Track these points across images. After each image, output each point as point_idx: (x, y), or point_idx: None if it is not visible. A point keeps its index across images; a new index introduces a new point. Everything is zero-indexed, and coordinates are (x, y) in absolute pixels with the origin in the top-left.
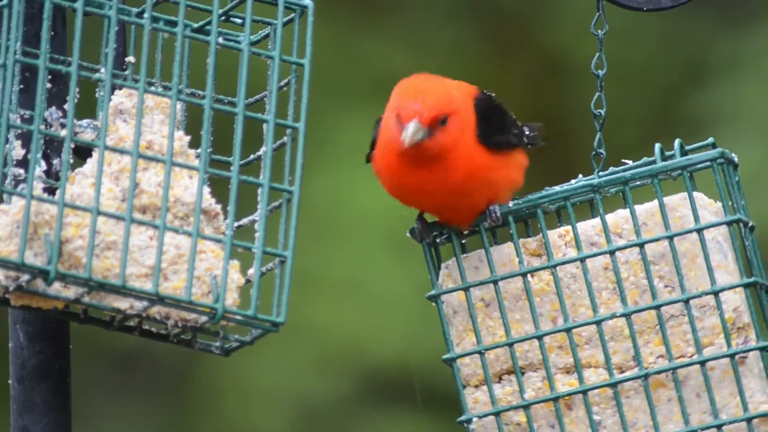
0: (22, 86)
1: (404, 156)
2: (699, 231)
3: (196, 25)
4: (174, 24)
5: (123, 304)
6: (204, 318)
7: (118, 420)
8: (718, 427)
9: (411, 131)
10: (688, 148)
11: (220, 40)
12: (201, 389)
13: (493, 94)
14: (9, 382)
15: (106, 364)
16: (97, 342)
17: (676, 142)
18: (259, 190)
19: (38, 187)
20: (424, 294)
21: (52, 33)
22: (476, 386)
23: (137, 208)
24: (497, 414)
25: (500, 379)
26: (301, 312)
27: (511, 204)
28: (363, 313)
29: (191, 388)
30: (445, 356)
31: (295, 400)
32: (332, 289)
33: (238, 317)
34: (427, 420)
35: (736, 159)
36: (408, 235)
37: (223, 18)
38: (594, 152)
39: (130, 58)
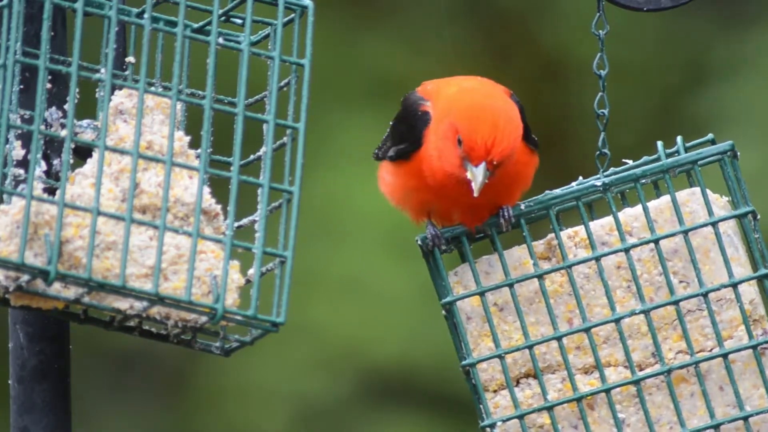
0: (22, 86)
1: (462, 184)
2: (714, 224)
3: (196, 26)
4: (174, 24)
5: (123, 304)
6: (204, 318)
7: (118, 420)
8: (745, 419)
9: (480, 180)
10: (688, 145)
11: (220, 40)
12: (201, 389)
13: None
14: (9, 382)
15: (106, 364)
16: (97, 342)
17: (679, 139)
18: (259, 190)
19: (38, 188)
20: (424, 294)
21: (52, 33)
22: (495, 391)
23: (137, 209)
24: (521, 417)
25: (518, 382)
26: (301, 312)
27: (522, 206)
28: (363, 314)
29: (191, 388)
30: (464, 362)
31: (295, 400)
32: (332, 289)
33: (238, 317)
34: (427, 420)
35: (738, 153)
36: (419, 242)
37: (223, 18)
38: (598, 152)
39: (130, 59)
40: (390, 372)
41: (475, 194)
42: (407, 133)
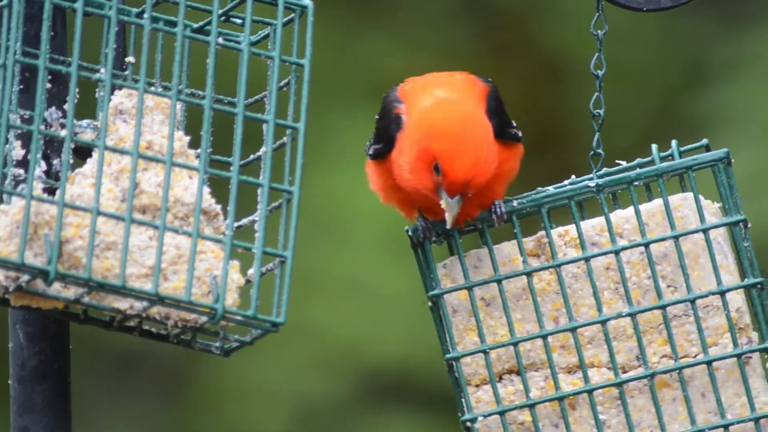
0: (22, 86)
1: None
2: (705, 231)
3: (196, 26)
4: (174, 24)
5: (123, 304)
6: (204, 318)
7: (118, 420)
8: (725, 426)
9: (455, 211)
10: (682, 149)
11: (220, 40)
12: (201, 389)
13: (492, 81)
14: (9, 382)
15: (106, 364)
16: (97, 342)
17: (673, 143)
18: (259, 190)
19: (38, 188)
20: (423, 294)
21: (52, 33)
22: (477, 386)
23: (137, 209)
24: (502, 413)
25: (501, 378)
26: (301, 312)
27: (515, 203)
28: (363, 313)
29: (191, 388)
30: (448, 355)
31: (295, 400)
32: (332, 289)
33: (238, 317)
34: (427, 420)
35: (732, 159)
36: (410, 233)
37: (223, 18)
38: (592, 152)
39: (130, 59)
40: (390, 372)
41: (448, 226)
42: (384, 133)
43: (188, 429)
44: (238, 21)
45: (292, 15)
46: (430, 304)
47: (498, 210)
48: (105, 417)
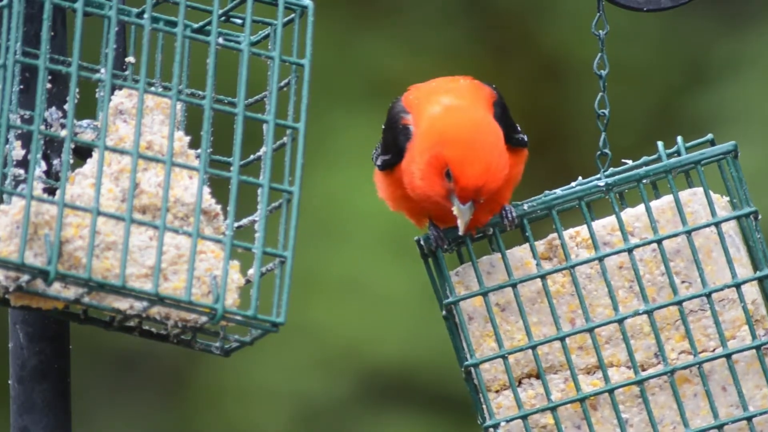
0: (22, 86)
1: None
2: (717, 225)
3: (196, 26)
4: (174, 24)
5: (123, 304)
6: (204, 318)
7: (118, 420)
8: (748, 419)
9: (467, 218)
10: (687, 145)
11: (220, 40)
12: (201, 389)
13: (495, 87)
14: (9, 382)
15: (106, 364)
16: (97, 342)
17: (679, 139)
18: (259, 191)
19: (38, 188)
20: (424, 294)
21: (52, 33)
22: (497, 391)
23: (137, 209)
24: (524, 417)
25: (520, 383)
26: (301, 312)
27: (525, 206)
28: (363, 314)
29: (191, 388)
30: (467, 362)
31: (295, 400)
32: (332, 289)
33: (238, 317)
34: (427, 420)
35: (739, 152)
36: (421, 243)
37: (223, 18)
38: (599, 152)
39: (130, 59)
40: (390, 372)
41: (461, 232)
42: (391, 144)
43: (188, 429)
44: (238, 21)
45: (292, 15)
46: (444, 312)
47: (509, 215)
48: (105, 417)
